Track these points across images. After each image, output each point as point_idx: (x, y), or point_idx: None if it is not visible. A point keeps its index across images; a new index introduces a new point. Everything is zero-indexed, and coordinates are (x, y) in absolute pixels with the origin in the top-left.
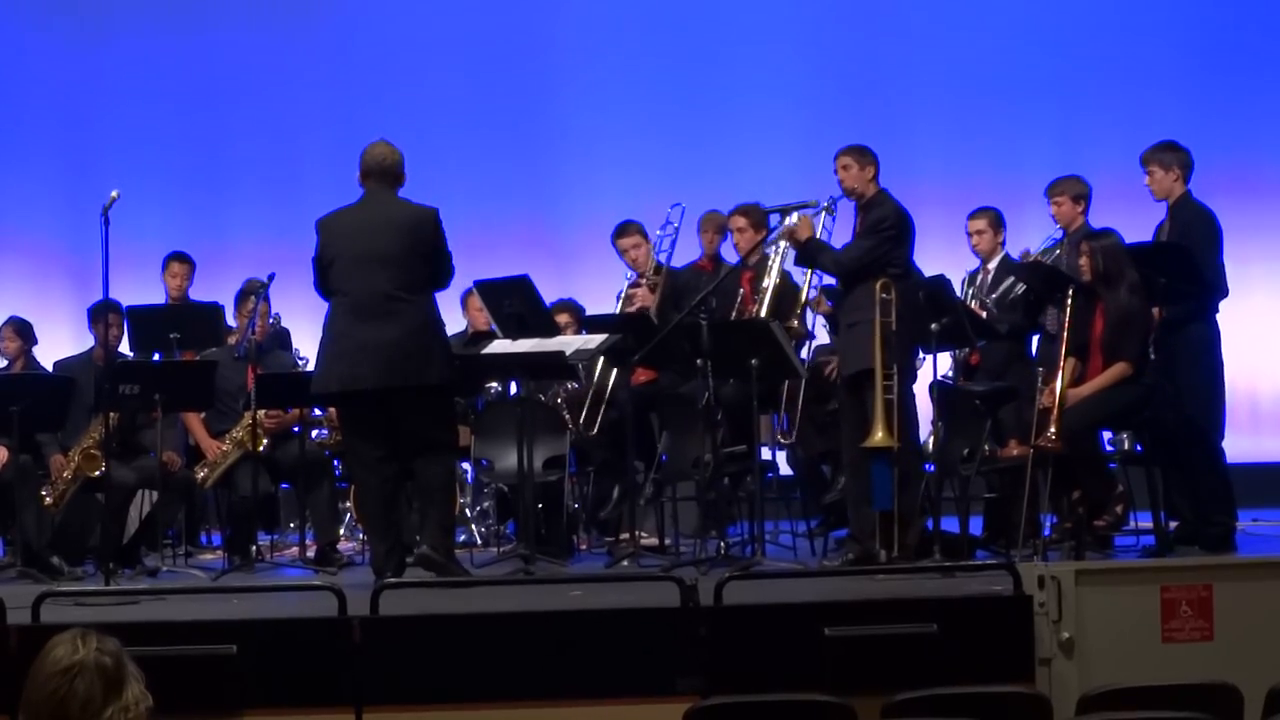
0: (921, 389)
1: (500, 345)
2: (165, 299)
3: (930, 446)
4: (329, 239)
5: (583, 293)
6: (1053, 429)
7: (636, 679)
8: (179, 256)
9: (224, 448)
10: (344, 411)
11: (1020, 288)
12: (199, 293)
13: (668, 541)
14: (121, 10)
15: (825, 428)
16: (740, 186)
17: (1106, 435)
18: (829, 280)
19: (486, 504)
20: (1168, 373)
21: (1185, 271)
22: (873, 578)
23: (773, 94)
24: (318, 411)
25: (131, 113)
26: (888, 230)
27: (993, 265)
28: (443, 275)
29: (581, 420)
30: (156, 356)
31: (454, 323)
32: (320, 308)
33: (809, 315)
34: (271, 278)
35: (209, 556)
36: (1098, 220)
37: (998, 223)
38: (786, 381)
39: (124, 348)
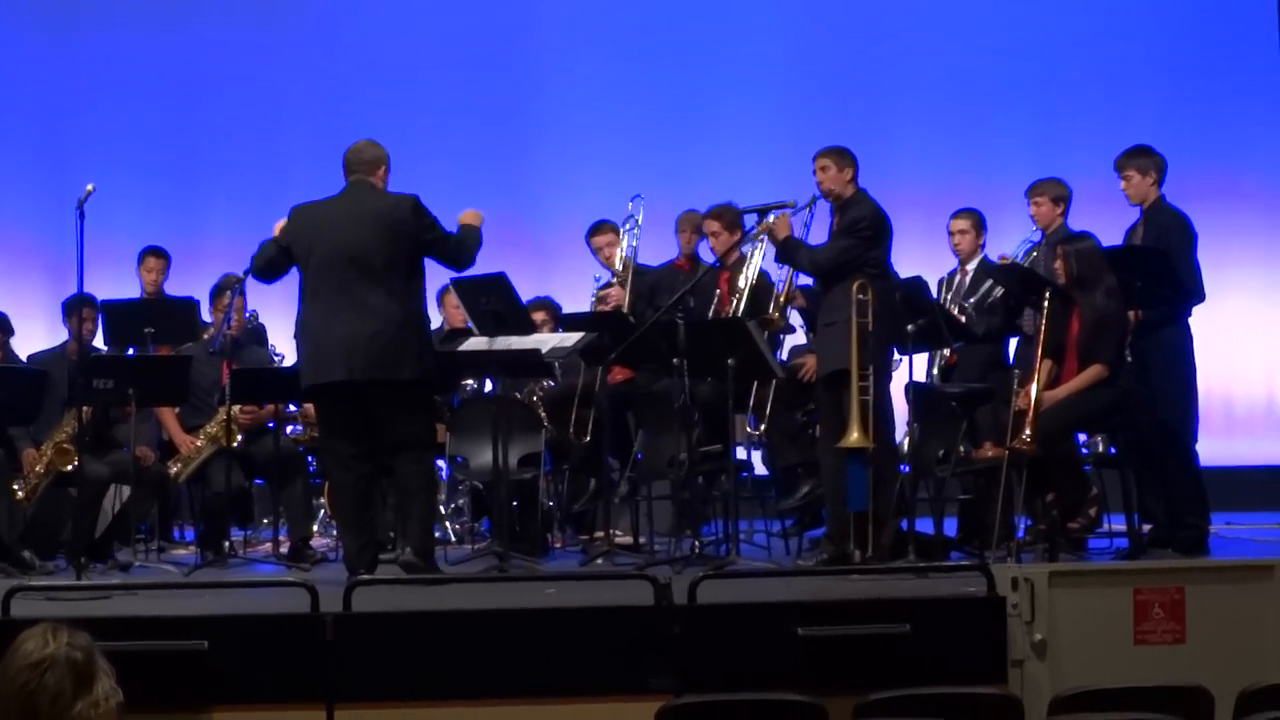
0: (898, 390)
1: (476, 343)
2: (140, 293)
3: (906, 447)
4: (299, 228)
5: (560, 291)
6: (1028, 431)
7: (610, 677)
8: (155, 251)
9: (198, 443)
10: (319, 406)
11: (998, 291)
12: (175, 287)
13: (642, 540)
14: (98, 6)
15: (797, 437)
16: (720, 186)
17: (1081, 438)
18: (806, 280)
19: (461, 501)
20: (1142, 376)
21: (1162, 275)
22: (847, 578)
23: (753, 94)
24: (292, 407)
25: (108, 108)
26: (864, 231)
27: (971, 267)
28: (450, 253)
29: (571, 428)
30: (131, 351)
31: (430, 319)
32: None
33: (788, 310)
34: (248, 272)
35: (181, 552)
36: (1075, 224)
37: (980, 224)
38: (756, 385)
39: (99, 342)
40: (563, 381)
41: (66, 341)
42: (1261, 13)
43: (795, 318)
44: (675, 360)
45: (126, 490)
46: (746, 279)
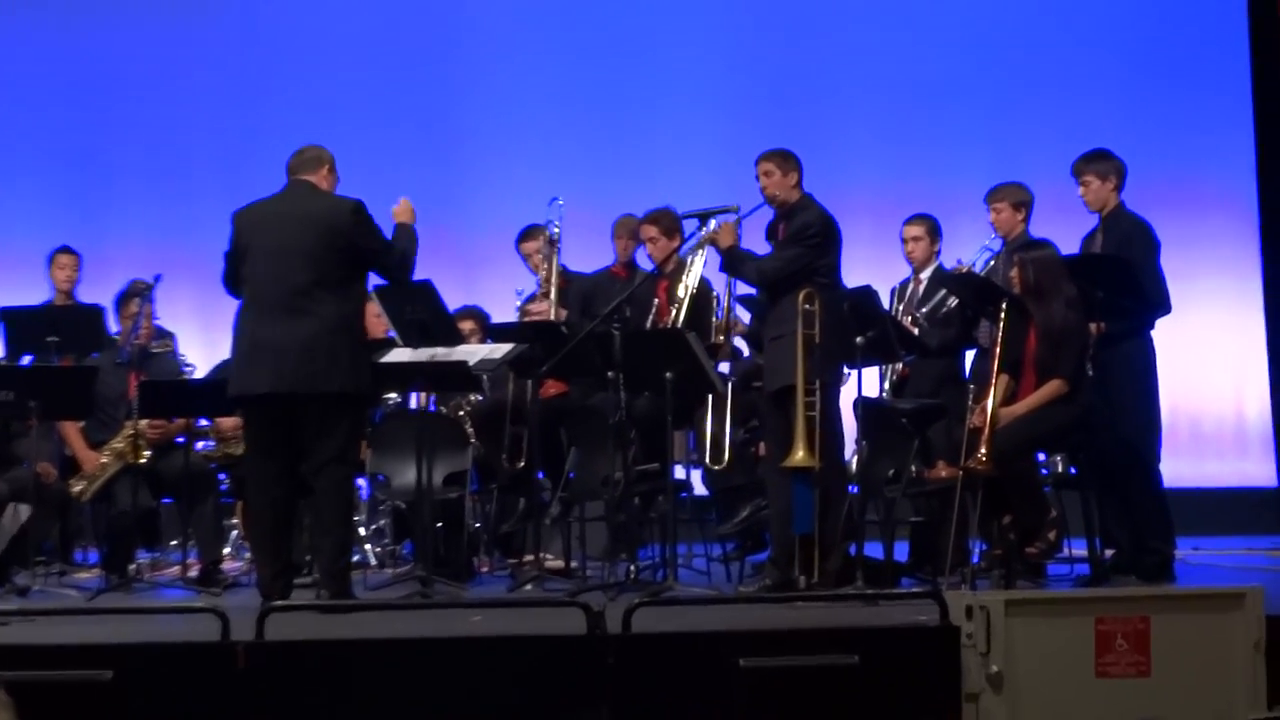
0: (846, 405)
1: (400, 354)
2: (51, 295)
3: (854, 466)
4: (241, 231)
5: (488, 299)
6: (983, 450)
7: (538, 711)
8: (67, 249)
9: (103, 459)
10: (244, 418)
11: (953, 301)
12: (79, 293)
13: (574, 565)
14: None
15: (739, 458)
16: (659, 190)
17: (1040, 457)
18: (746, 289)
19: (382, 522)
20: (1104, 392)
21: (1125, 285)
22: (791, 605)
23: (694, 95)
24: (203, 422)
25: (7, 109)
26: (812, 238)
27: (925, 276)
28: (391, 269)
29: (505, 451)
30: (29, 360)
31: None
32: (213, 311)
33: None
34: (158, 279)
35: (85, 575)
36: (1036, 231)
37: (934, 231)
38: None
39: None
40: (491, 395)
41: None
42: (1228, 10)
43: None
44: (610, 373)
45: (26, 510)
46: (686, 288)
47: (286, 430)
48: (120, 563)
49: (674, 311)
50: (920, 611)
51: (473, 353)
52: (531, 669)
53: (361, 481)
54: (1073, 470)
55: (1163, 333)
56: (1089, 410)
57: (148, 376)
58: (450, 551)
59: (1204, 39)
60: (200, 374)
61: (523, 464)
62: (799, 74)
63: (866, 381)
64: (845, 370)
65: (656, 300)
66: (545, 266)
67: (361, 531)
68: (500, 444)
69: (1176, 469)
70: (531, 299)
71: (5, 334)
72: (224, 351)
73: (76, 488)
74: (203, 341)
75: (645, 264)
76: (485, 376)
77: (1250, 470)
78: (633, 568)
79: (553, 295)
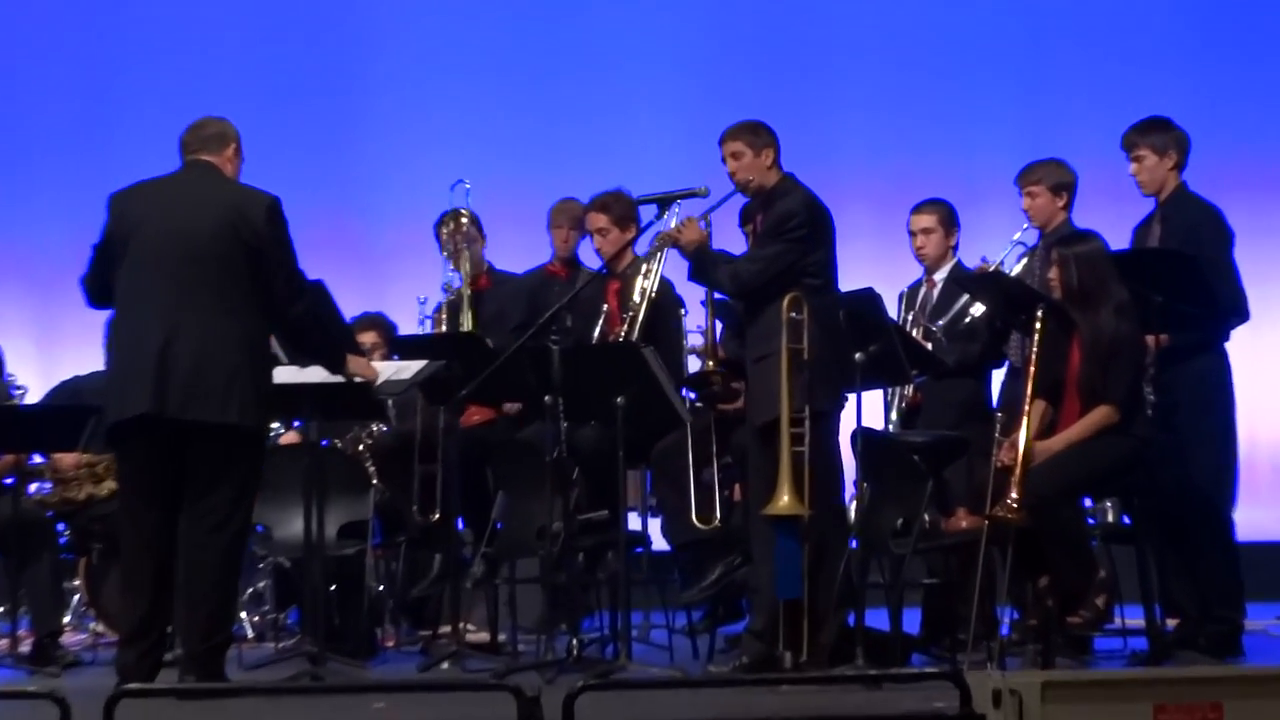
0: (844, 439)
1: (284, 374)
2: None
3: (854, 515)
4: (119, 218)
5: (395, 306)
6: (1014, 494)
7: None
8: None
9: None
10: (118, 453)
11: (977, 308)
12: None
13: (502, 638)
14: None
15: (704, 502)
16: (607, 173)
17: (1086, 503)
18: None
19: (261, 584)
20: (1166, 421)
21: (1190, 287)
22: (774, 690)
23: (653, 61)
24: (37, 458)
25: None
26: (797, 229)
27: (940, 277)
28: (287, 303)
29: (415, 499)
30: None
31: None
32: (52, 321)
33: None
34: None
35: None
36: (1080, 222)
37: (949, 220)
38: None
39: None
40: (398, 426)
41: None
42: None
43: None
44: (547, 398)
45: None
46: (643, 291)
47: (171, 467)
48: None
49: (627, 321)
50: (936, 697)
51: (375, 371)
52: None
53: None
54: (1126, 520)
55: (1238, 346)
56: (1146, 444)
57: None
58: (347, 621)
59: None
60: (34, 398)
61: (438, 512)
62: (783, 35)
63: (868, 409)
64: (842, 395)
65: (606, 307)
66: (462, 263)
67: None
68: (410, 487)
69: (1255, 518)
70: (439, 309)
71: None
72: (64, 370)
73: None
74: (39, 358)
75: (591, 261)
76: (391, 402)
77: None
78: (575, 642)
79: (465, 299)
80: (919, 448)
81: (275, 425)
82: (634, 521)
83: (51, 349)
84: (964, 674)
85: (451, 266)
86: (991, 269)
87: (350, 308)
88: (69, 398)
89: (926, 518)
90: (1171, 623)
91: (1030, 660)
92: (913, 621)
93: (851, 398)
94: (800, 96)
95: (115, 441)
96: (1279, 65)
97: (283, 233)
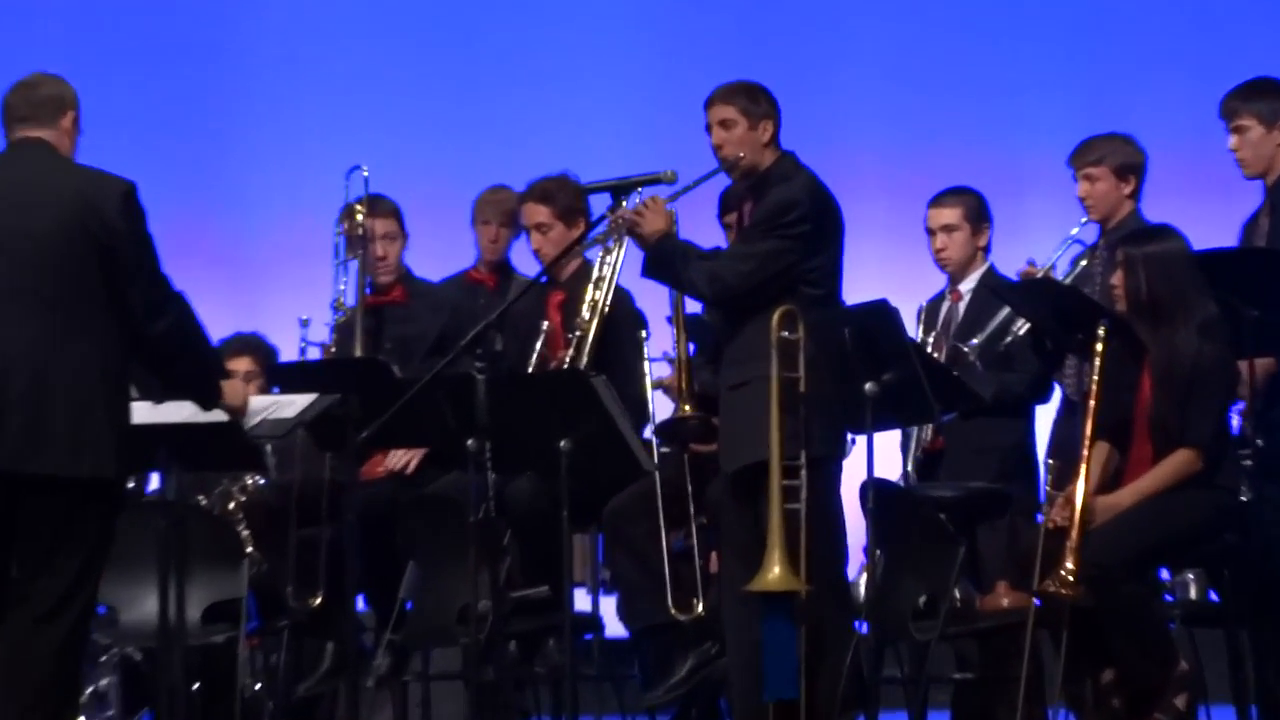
0: (850, 492)
1: (135, 411)
2: None
3: (863, 591)
4: None
5: (275, 325)
6: (1070, 563)
7: None
8: None
9: None
10: None
11: (1019, 325)
12: None
13: None
14: None
15: (672, 576)
16: (548, 156)
17: (1162, 575)
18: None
19: (104, 682)
20: (1266, 470)
21: None
22: None
23: (602, 12)
24: None
25: None
26: (798, 223)
27: (969, 286)
28: (139, 304)
29: (300, 574)
30: None
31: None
32: None
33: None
34: None
35: None
36: (1153, 215)
37: (978, 213)
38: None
39: None
40: (280, 478)
41: None
42: None
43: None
44: (471, 441)
45: None
46: (594, 304)
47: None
48: None
49: (573, 343)
50: None
51: (251, 409)
52: None
53: None
54: (1213, 596)
55: None
56: (1239, 499)
57: None
58: None
59: None
60: None
61: (321, 592)
62: None
63: (881, 455)
64: (847, 437)
65: (547, 324)
66: (370, 268)
67: None
68: (295, 556)
69: None
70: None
71: None
72: None
73: None
74: None
75: (528, 266)
76: (270, 447)
77: None
78: None
79: (357, 318)
80: (947, 504)
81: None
82: (582, 600)
83: None
84: None
85: (344, 279)
86: (1039, 274)
87: (217, 327)
88: None
89: (957, 594)
90: None
91: None
92: None
93: (859, 440)
94: (791, 58)
95: None
96: None
97: (141, 228)
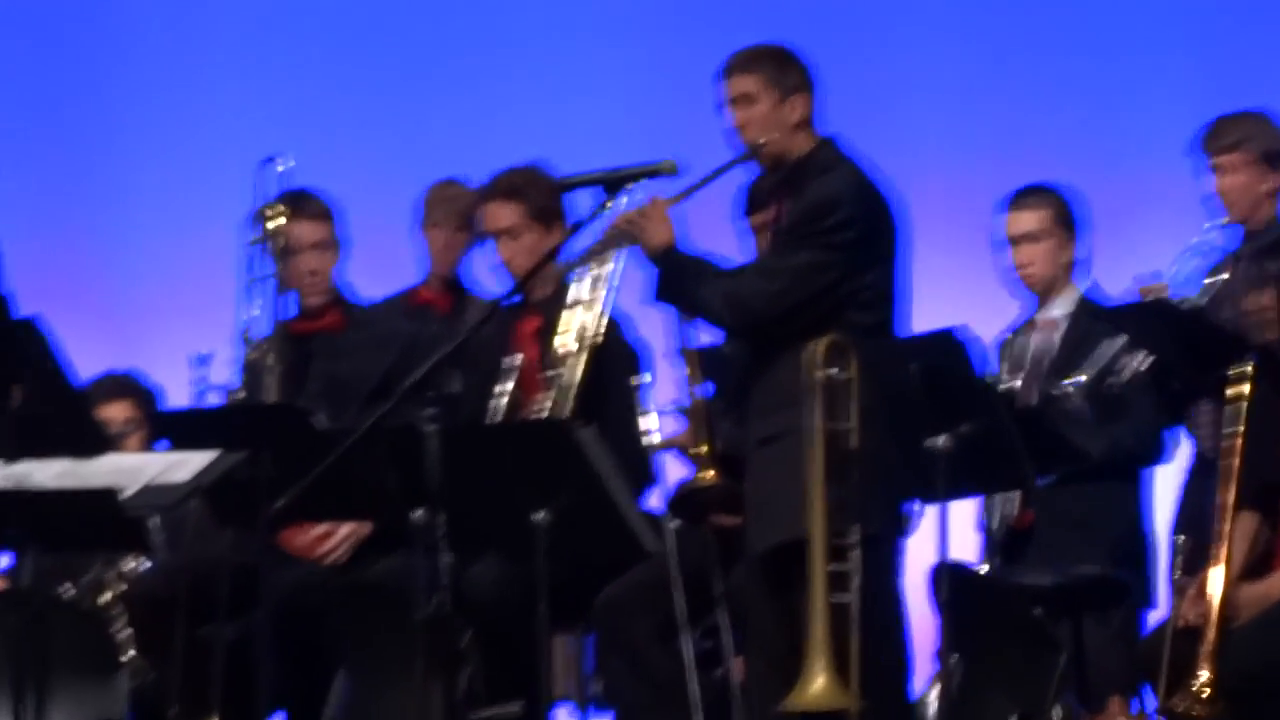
0: (915, 579)
1: None
2: None
3: (934, 708)
4: None
5: (159, 363)
6: (1206, 672)
7: None
8: None
9: None
10: None
11: (1135, 360)
12: None
13: None
14: None
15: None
16: (513, 145)
17: None
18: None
19: None
20: None
21: None
22: None
23: None
24: None
25: None
26: (841, 228)
27: (1062, 310)
28: None
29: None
30: None
31: None
32: None
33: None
34: None
35: None
36: None
37: (1066, 218)
38: None
39: None
40: (168, 560)
41: None
42: None
43: None
44: (418, 513)
45: None
46: (580, 333)
47: None
48: None
49: (553, 383)
50: None
51: (133, 471)
52: None
53: None
54: None
55: None
56: None
57: None
58: None
59: None
60: None
61: (226, 707)
62: None
63: (957, 530)
64: (915, 507)
65: (518, 358)
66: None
67: None
68: (186, 662)
69: None
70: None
71: None
72: None
73: None
74: None
75: (490, 282)
76: (156, 520)
77: None
78: None
79: (272, 352)
80: (1042, 595)
81: None
82: None
83: None
84: None
85: (256, 302)
86: (1158, 292)
87: (87, 364)
88: None
89: (1059, 712)
90: None
91: None
92: None
93: (927, 512)
94: (827, 32)
95: None
96: None
97: None
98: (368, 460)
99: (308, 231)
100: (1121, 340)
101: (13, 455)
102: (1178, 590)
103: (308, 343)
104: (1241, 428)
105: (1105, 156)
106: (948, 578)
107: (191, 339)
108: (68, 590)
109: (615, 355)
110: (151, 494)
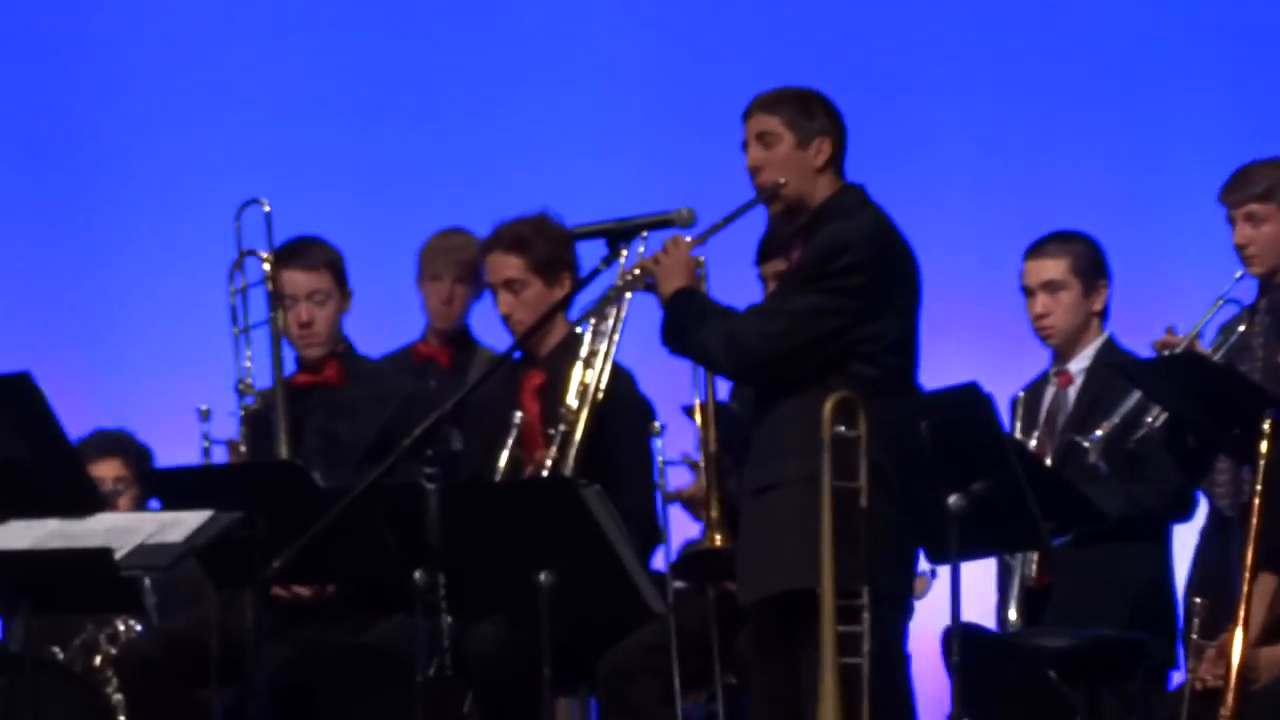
0: (924, 640)
1: None
2: None
3: None
4: None
5: (152, 419)
6: None
7: None
8: None
9: None
10: None
11: (1151, 417)
12: None
13: None
14: None
15: None
16: (518, 192)
17: None
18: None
19: None
20: None
21: None
22: None
23: (591, 19)
24: None
25: None
26: (848, 272)
27: (1080, 364)
28: None
29: None
30: None
31: None
32: None
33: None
34: None
35: None
36: None
37: (1090, 267)
38: None
39: None
40: (161, 624)
41: None
42: None
43: None
44: (418, 574)
45: None
46: (585, 388)
47: None
48: None
49: (556, 441)
50: None
51: (126, 531)
52: None
53: None
54: None
55: None
56: None
57: None
58: None
59: None
60: None
61: None
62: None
63: (969, 592)
64: (926, 568)
65: (520, 415)
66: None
67: None
68: None
69: None
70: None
71: None
72: None
73: None
74: None
75: (494, 336)
76: (149, 582)
77: None
78: None
79: (280, 406)
80: (1058, 658)
81: None
82: None
83: None
84: None
85: (247, 352)
86: (1182, 345)
87: (79, 421)
88: None
89: None
90: None
91: None
92: None
93: (940, 572)
94: (849, 78)
95: None
96: None
97: None
98: (367, 519)
99: (301, 281)
100: (1136, 397)
101: (3, 515)
102: (1195, 652)
103: (307, 397)
104: (1261, 486)
105: (1130, 205)
106: (961, 640)
107: (189, 391)
108: (58, 653)
109: (623, 408)
110: (145, 554)
